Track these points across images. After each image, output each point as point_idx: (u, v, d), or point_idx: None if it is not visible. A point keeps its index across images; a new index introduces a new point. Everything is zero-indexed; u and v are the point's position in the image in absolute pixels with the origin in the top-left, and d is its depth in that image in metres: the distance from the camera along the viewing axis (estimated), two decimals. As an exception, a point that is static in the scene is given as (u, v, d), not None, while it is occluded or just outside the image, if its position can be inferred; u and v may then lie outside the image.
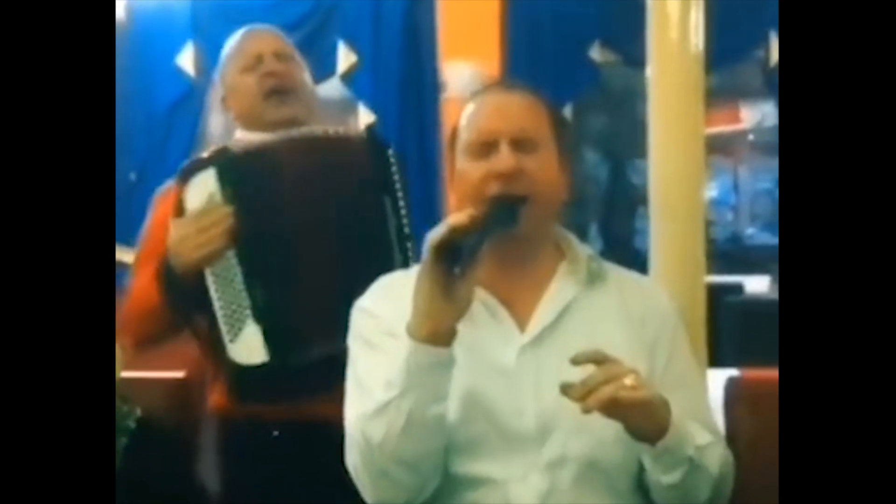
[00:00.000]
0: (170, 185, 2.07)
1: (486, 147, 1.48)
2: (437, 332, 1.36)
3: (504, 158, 1.46)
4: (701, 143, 2.19)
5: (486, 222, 1.40)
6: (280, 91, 2.09)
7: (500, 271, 1.51)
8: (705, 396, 1.60)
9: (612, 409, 1.30)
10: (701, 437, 1.43)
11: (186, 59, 5.03)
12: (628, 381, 1.31)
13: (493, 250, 1.49)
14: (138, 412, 1.52)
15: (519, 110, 1.51)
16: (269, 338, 1.82)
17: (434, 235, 1.34)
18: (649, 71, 2.27)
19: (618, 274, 1.58)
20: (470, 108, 1.54)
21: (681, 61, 2.18)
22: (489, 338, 1.48)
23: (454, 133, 1.54)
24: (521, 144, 1.48)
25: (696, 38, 2.21)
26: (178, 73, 5.04)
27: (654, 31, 2.23)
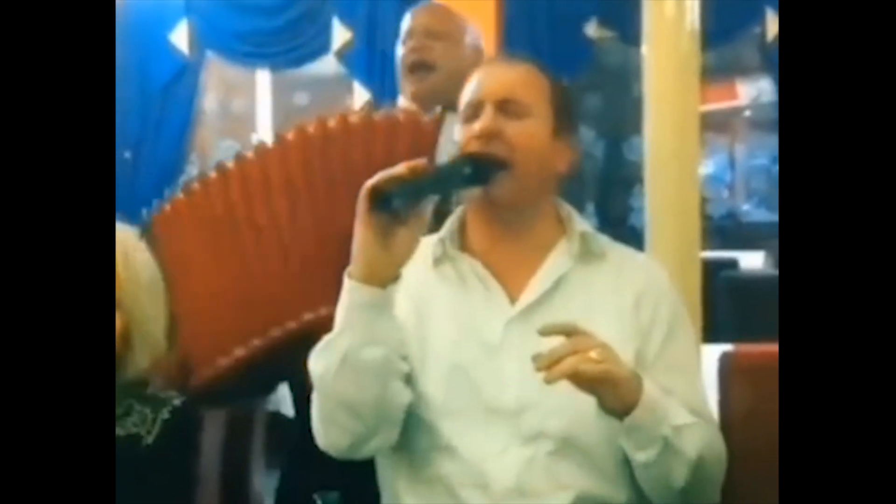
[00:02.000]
0: None
1: (473, 110, 1.50)
2: (371, 274, 1.38)
3: (484, 119, 1.47)
4: (696, 120, 2.20)
5: (444, 176, 1.44)
6: (421, 66, 2.20)
7: (494, 242, 1.51)
8: (700, 381, 1.59)
9: (577, 381, 1.31)
10: (680, 417, 1.41)
11: (180, 37, 5.01)
12: (594, 353, 1.32)
13: (485, 220, 1.51)
14: (175, 401, 1.52)
15: (512, 77, 1.52)
16: None
17: (371, 181, 1.37)
18: (645, 48, 2.27)
19: (619, 252, 1.57)
20: (469, 81, 1.55)
21: (676, 38, 2.18)
22: (479, 309, 1.48)
23: None
24: (507, 109, 1.48)
25: (692, 14, 2.20)
26: (172, 50, 5.02)
27: (650, 7, 2.23)
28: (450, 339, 1.47)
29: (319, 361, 1.43)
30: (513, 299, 1.49)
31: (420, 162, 1.40)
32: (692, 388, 1.51)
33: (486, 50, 2.47)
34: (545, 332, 1.33)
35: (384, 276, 1.39)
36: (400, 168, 1.37)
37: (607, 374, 1.33)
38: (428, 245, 1.50)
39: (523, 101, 1.49)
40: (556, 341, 1.33)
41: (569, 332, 1.33)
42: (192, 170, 5.69)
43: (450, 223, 1.54)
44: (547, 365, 1.30)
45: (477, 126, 1.47)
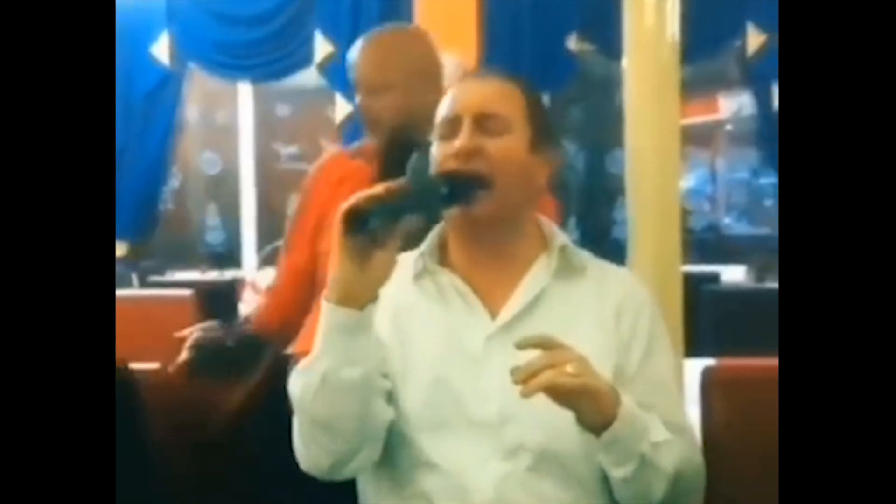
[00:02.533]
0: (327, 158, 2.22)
1: (450, 126, 1.48)
2: (348, 296, 1.37)
3: (463, 136, 1.46)
4: (677, 133, 2.20)
5: (423, 196, 1.42)
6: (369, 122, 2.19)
7: (475, 258, 1.51)
8: (679, 395, 1.58)
9: (554, 394, 1.30)
10: (658, 433, 1.40)
11: (161, 49, 5.00)
12: (570, 367, 1.31)
13: (466, 235, 1.50)
14: None
15: (488, 92, 1.51)
16: None
17: (347, 203, 1.36)
18: (625, 61, 2.27)
19: (599, 266, 1.56)
20: (445, 97, 1.54)
21: (656, 51, 2.18)
22: (460, 324, 1.48)
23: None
24: (485, 126, 1.47)
25: (672, 27, 2.21)
26: (154, 62, 5.00)
27: (630, 21, 2.23)
28: (431, 354, 1.46)
29: (298, 383, 1.42)
30: (493, 314, 1.49)
31: (398, 183, 1.39)
32: (672, 402, 1.51)
33: (466, 65, 2.45)
34: (522, 345, 1.33)
35: (361, 299, 1.38)
36: (377, 189, 1.36)
37: (584, 387, 1.32)
38: (408, 261, 1.50)
39: (502, 117, 1.48)
40: (534, 354, 1.32)
41: (546, 345, 1.33)
42: (175, 182, 5.68)
43: (430, 239, 1.54)
44: (524, 378, 1.29)
45: (456, 144, 1.46)
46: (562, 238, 1.54)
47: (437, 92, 1.82)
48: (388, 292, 1.42)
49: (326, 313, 1.39)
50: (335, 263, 1.38)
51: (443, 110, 1.51)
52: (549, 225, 1.57)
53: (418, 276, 1.51)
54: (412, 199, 1.41)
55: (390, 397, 1.45)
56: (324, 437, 1.41)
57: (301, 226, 2.20)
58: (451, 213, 1.48)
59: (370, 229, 1.35)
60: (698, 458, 1.50)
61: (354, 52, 2.23)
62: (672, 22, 2.20)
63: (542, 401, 1.31)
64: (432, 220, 1.54)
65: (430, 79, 2.14)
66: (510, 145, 1.48)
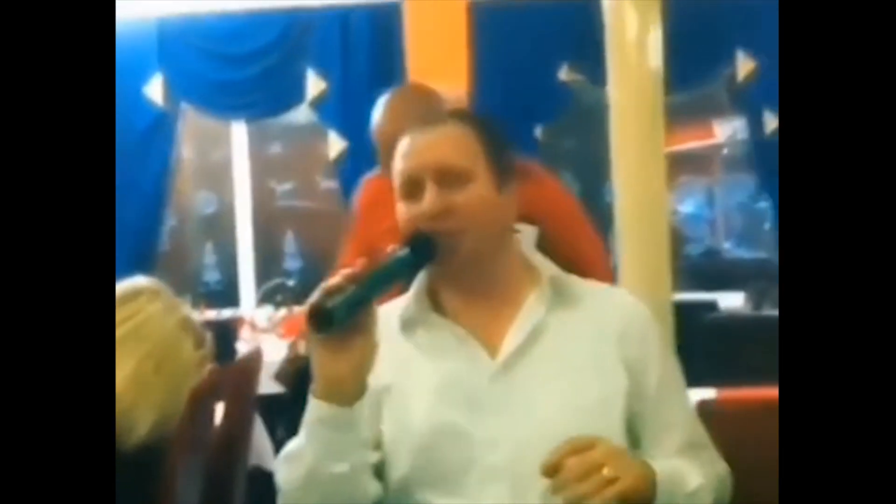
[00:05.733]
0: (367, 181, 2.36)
1: (412, 187, 1.45)
2: (334, 391, 1.34)
3: (429, 197, 1.43)
4: (662, 162, 2.21)
5: (387, 271, 1.38)
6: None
7: (466, 302, 1.49)
8: (692, 407, 1.57)
9: None
10: (692, 480, 1.40)
11: (154, 89, 5.02)
12: (606, 471, 1.29)
13: (453, 279, 1.48)
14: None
15: (442, 143, 1.47)
16: None
17: (309, 301, 1.31)
18: (609, 92, 2.28)
19: (592, 291, 1.54)
20: (398, 149, 1.50)
21: (639, 82, 2.20)
22: (461, 368, 1.45)
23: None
24: (447, 180, 1.44)
25: (655, 59, 2.22)
26: (147, 102, 5.02)
27: (613, 52, 2.25)
28: (431, 406, 1.43)
29: (283, 472, 1.40)
30: (492, 353, 1.46)
31: (357, 266, 1.34)
32: (691, 417, 1.51)
33: (458, 96, 2.51)
34: (547, 471, 1.29)
35: (349, 392, 1.35)
36: (336, 279, 1.32)
37: (624, 493, 1.30)
38: (393, 312, 1.48)
39: (462, 168, 1.45)
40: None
41: (572, 451, 1.30)
42: (171, 221, 5.69)
43: (417, 287, 1.51)
44: (559, 488, 1.27)
45: (424, 206, 1.43)
46: (551, 269, 1.53)
47: None
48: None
49: (313, 409, 1.36)
50: (313, 361, 1.35)
51: (400, 165, 1.48)
52: (536, 256, 1.56)
53: (407, 326, 1.49)
54: (376, 278, 1.36)
55: (378, 470, 1.42)
56: None
57: (353, 245, 2.32)
58: (431, 269, 1.46)
59: (339, 325, 1.30)
60: (724, 470, 1.50)
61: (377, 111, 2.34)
62: (654, 53, 2.21)
63: (552, 444, 1.30)
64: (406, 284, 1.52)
65: None
66: (476, 194, 1.45)
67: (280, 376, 2.62)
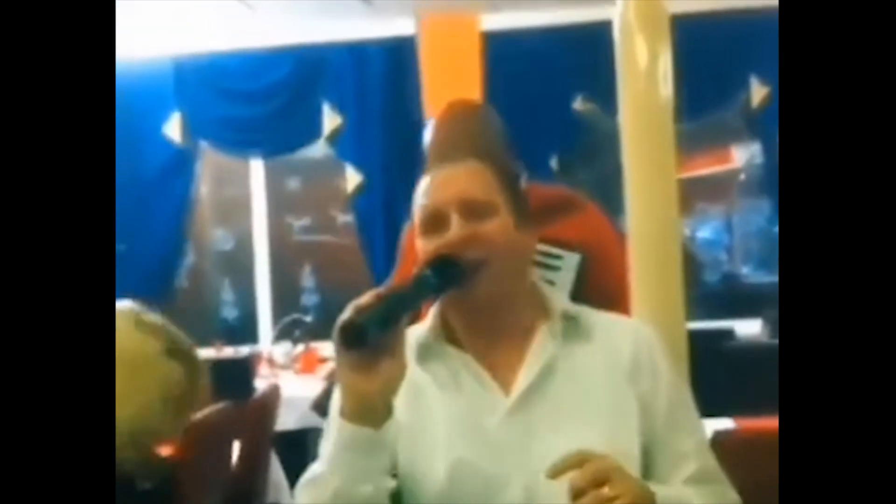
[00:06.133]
0: None
1: (435, 221, 1.46)
2: (363, 412, 1.33)
3: (455, 227, 1.44)
4: (674, 190, 2.20)
5: (414, 291, 1.39)
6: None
7: (480, 333, 1.48)
8: (705, 436, 1.56)
9: None
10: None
11: (173, 128, 5.07)
12: (608, 489, 1.28)
13: (467, 312, 1.48)
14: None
15: (465, 178, 1.49)
16: None
17: (340, 319, 1.32)
18: (621, 121, 2.29)
19: (603, 322, 1.53)
20: (420, 188, 1.51)
21: (650, 111, 2.20)
22: (474, 404, 1.44)
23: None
24: (472, 211, 1.45)
25: (665, 88, 2.22)
26: (166, 141, 5.07)
27: (624, 82, 2.25)
28: (447, 440, 1.42)
29: (306, 496, 1.38)
30: (506, 389, 1.45)
31: (385, 287, 1.36)
32: (702, 449, 1.49)
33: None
34: (554, 474, 1.29)
35: (377, 413, 1.34)
36: (366, 297, 1.33)
37: None
38: (409, 339, 1.46)
39: (486, 200, 1.47)
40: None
41: (575, 463, 1.30)
42: (189, 258, 5.72)
43: (432, 318, 1.52)
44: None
45: (450, 235, 1.44)
46: (562, 303, 1.52)
47: None
48: None
49: (340, 430, 1.34)
50: (342, 381, 1.34)
51: (422, 202, 1.49)
52: (547, 290, 1.56)
53: (424, 357, 1.49)
54: (404, 297, 1.38)
55: (395, 496, 1.41)
56: None
57: (404, 259, 2.31)
58: (450, 296, 1.46)
59: (370, 341, 1.31)
60: (735, 500, 1.48)
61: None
62: (664, 82, 2.21)
63: (564, 484, 1.29)
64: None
65: None
66: (499, 227, 1.46)
67: (319, 407, 2.61)
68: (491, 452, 1.41)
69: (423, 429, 1.44)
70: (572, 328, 1.50)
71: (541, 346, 1.48)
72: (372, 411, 1.33)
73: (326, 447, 1.38)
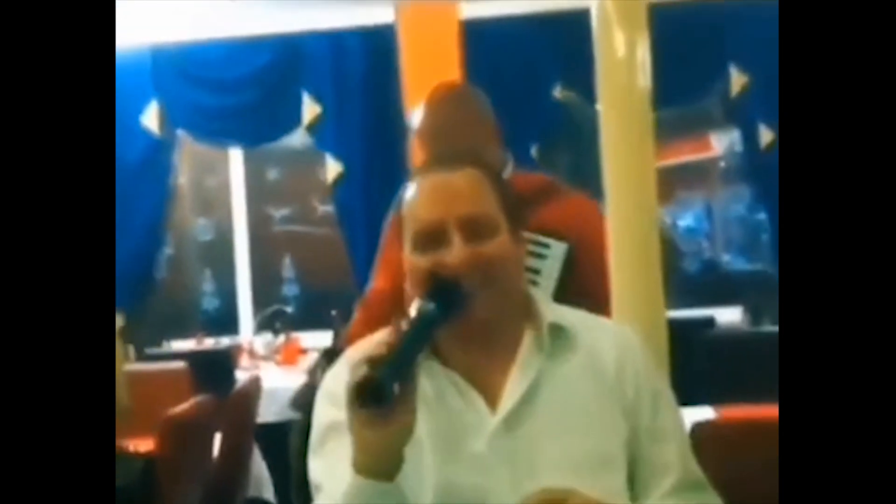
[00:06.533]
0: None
1: (433, 237, 1.39)
2: (378, 468, 1.28)
3: (457, 251, 1.37)
4: (652, 179, 2.20)
5: (420, 329, 1.32)
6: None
7: (464, 347, 1.43)
8: (688, 445, 1.55)
9: None
10: None
11: (150, 118, 5.04)
12: None
13: (460, 332, 1.42)
14: None
15: (465, 192, 1.41)
16: None
17: (353, 377, 1.25)
18: (599, 110, 2.28)
19: (586, 327, 1.49)
20: (411, 192, 1.44)
21: (628, 99, 2.19)
22: (461, 422, 1.41)
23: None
24: (474, 231, 1.38)
25: (643, 76, 2.22)
26: (143, 131, 5.04)
27: (602, 70, 2.24)
28: (438, 458, 1.39)
29: None
30: (492, 406, 1.42)
31: (389, 332, 1.29)
32: (685, 455, 1.47)
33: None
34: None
35: (391, 465, 1.29)
36: (378, 349, 1.26)
37: None
38: None
39: (490, 218, 1.40)
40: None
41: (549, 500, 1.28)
42: (169, 249, 5.69)
43: None
44: None
45: (452, 259, 1.37)
46: (550, 312, 1.47)
47: None
48: None
49: (358, 488, 1.29)
50: (357, 439, 1.28)
51: (419, 212, 1.42)
52: (536, 295, 1.51)
53: None
54: (414, 338, 1.30)
55: None
56: None
57: (388, 250, 2.32)
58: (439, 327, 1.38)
59: (389, 397, 1.24)
60: None
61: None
62: (642, 70, 2.21)
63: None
64: None
65: None
66: (501, 247, 1.40)
67: (297, 403, 2.61)
68: (478, 471, 1.38)
69: (409, 451, 1.38)
70: (558, 340, 1.46)
71: (526, 362, 1.44)
72: (386, 464, 1.28)
73: (337, 498, 1.31)
